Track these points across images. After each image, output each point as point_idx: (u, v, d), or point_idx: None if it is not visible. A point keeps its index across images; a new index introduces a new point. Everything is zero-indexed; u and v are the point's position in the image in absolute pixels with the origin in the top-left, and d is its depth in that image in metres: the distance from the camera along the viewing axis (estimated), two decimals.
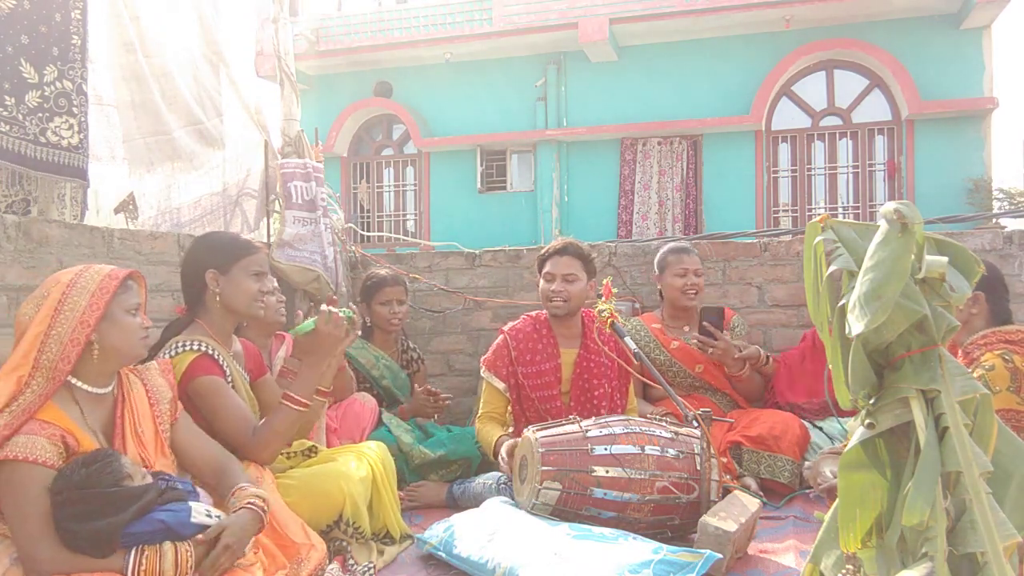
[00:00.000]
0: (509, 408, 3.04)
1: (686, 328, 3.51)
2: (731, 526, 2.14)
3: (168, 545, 1.66)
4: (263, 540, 1.92)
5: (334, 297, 2.46)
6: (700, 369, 3.42)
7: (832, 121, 9.33)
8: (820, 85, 9.29)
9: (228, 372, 2.25)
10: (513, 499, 2.53)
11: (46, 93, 2.65)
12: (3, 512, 1.66)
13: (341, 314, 2.26)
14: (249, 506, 1.81)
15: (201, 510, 1.75)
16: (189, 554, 1.67)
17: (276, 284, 3.04)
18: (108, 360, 1.83)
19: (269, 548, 1.93)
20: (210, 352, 2.20)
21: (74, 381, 1.79)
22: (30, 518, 1.62)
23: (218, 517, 1.77)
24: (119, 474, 1.68)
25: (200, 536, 1.71)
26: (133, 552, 1.63)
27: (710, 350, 3.30)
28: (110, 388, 1.88)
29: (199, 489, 1.90)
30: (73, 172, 2.76)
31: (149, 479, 1.75)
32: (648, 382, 2.74)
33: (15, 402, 1.67)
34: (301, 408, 2.19)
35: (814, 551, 1.54)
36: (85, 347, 1.77)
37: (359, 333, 2.47)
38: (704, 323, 3.32)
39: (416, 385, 3.57)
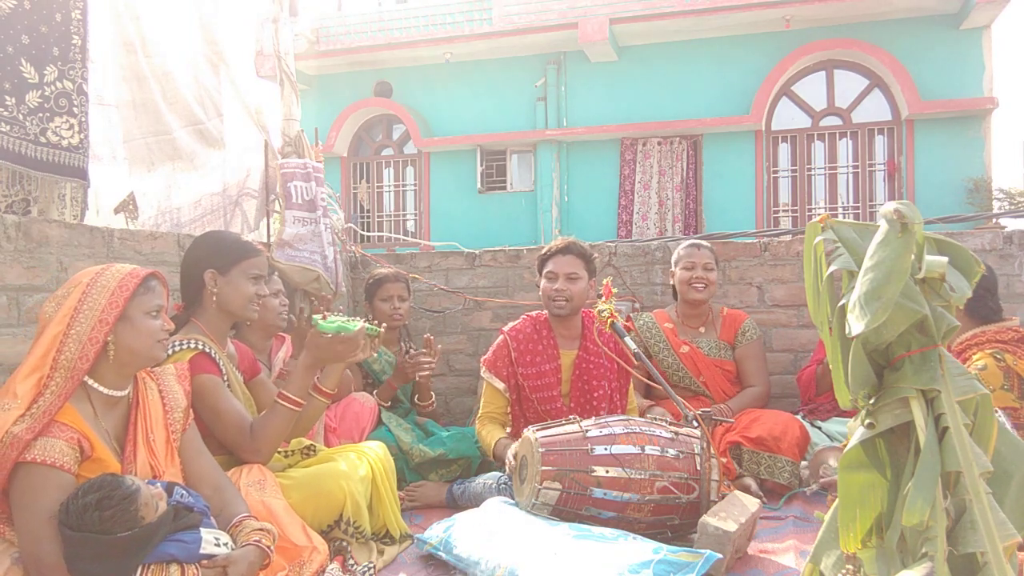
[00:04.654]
0: (508, 408, 3.04)
1: (701, 329, 3.51)
2: (731, 526, 2.14)
3: (175, 567, 1.64)
4: None
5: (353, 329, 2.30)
6: (704, 379, 3.44)
7: (832, 121, 9.33)
8: (820, 85, 9.29)
9: (224, 372, 2.25)
10: (513, 499, 2.52)
11: (46, 93, 2.65)
12: (12, 510, 1.64)
13: (368, 330, 2.27)
14: (256, 543, 1.78)
15: (210, 539, 1.73)
16: None
17: (281, 287, 3.04)
18: (124, 362, 1.81)
19: None
20: (207, 351, 2.21)
21: (90, 382, 1.77)
22: (40, 520, 1.61)
23: (226, 545, 1.76)
24: (135, 517, 1.62)
25: (206, 562, 1.69)
26: (139, 571, 1.62)
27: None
28: (126, 391, 1.86)
29: (208, 508, 1.88)
30: (73, 172, 2.76)
31: (163, 505, 1.70)
32: (649, 382, 2.73)
33: (35, 404, 1.66)
34: (295, 407, 2.19)
35: (814, 551, 1.54)
36: (102, 347, 1.74)
37: (375, 353, 2.47)
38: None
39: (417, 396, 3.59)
